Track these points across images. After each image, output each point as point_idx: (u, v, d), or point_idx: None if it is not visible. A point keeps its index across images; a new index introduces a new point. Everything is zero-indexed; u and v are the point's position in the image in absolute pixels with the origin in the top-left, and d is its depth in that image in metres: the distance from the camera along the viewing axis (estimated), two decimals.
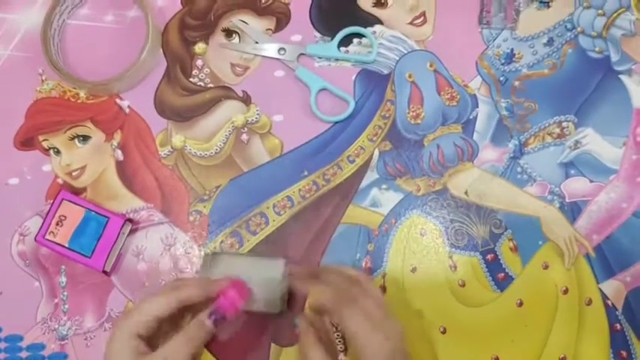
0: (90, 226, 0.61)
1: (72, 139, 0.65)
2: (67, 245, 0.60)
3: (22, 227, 0.64)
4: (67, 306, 0.63)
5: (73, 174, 0.65)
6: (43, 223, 0.61)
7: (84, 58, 0.67)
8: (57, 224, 0.61)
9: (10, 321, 0.63)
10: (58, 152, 0.65)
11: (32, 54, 0.66)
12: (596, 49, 0.63)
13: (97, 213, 0.61)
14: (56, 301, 0.63)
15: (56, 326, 0.63)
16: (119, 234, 0.61)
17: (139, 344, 0.48)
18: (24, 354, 0.62)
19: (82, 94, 0.66)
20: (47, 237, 0.60)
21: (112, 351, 0.49)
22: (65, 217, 0.61)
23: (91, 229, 0.61)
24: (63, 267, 0.63)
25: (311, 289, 0.53)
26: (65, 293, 0.63)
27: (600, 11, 0.63)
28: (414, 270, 0.61)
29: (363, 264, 0.61)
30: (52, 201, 0.62)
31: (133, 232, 0.63)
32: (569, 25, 0.63)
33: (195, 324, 0.50)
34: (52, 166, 0.65)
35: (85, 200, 0.62)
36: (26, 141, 0.66)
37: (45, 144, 0.65)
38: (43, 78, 0.66)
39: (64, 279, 0.63)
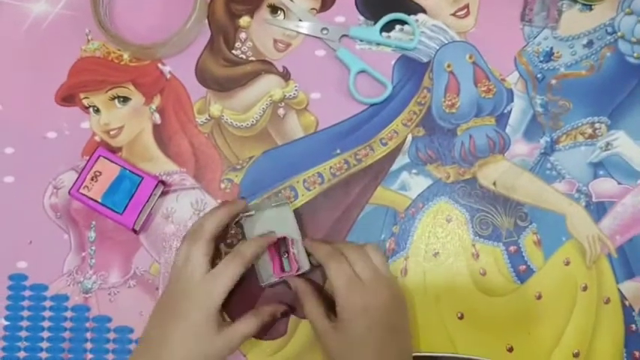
0: (124, 184, 0.62)
1: (112, 99, 0.67)
2: (99, 200, 0.61)
3: (57, 180, 0.66)
4: (93, 260, 0.64)
5: (111, 133, 0.66)
6: (78, 178, 0.62)
7: (131, 21, 0.68)
8: (92, 179, 0.62)
9: (37, 270, 0.64)
10: (97, 111, 0.67)
11: (80, 13, 0.68)
12: (635, 54, 0.64)
13: (131, 172, 0.62)
14: (84, 254, 0.64)
15: (81, 279, 0.64)
16: (151, 194, 0.62)
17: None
18: (48, 303, 0.64)
19: (125, 56, 0.67)
20: (81, 191, 0.62)
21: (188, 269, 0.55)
22: (100, 173, 0.62)
23: (124, 187, 0.62)
24: (93, 222, 0.65)
25: (313, 246, 0.59)
26: (93, 248, 0.64)
27: None
28: (436, 255, 0.62)
29: (387, 245, 0.62)
30: (88, 157, 0.63)
31: (164, 194, 0.64)
32: (609, 29, 0.64)
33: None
34: (91, 124, 0.66)
35: (121, 159, 0.63)
36: (67, 97, 0.67)
37: (85, 102, 0.67)
38: (89, 38, 0.68)
39: (93, 234, 0.64)
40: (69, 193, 0.62)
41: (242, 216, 0.60)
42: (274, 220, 0.60)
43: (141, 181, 0.62)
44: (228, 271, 0.55)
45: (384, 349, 0.53)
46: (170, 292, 0.57)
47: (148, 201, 0.62)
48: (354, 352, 0.53)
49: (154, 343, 0.55)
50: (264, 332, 0.61)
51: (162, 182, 0.64)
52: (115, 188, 0.62)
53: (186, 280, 0.55)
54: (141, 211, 0.61)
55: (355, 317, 0.53)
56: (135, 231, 0.62)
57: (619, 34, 0.64)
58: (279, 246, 0.60)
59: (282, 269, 0.59)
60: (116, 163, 0.63)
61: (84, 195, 0.62)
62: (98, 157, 0.63)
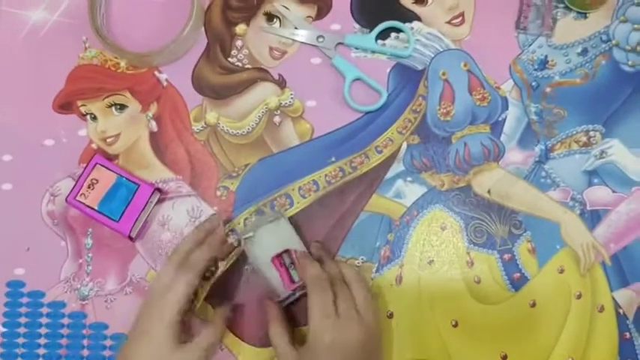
0: (120, 191, 0.62)
1: (109, 106, 0.67)
2: (96, 208, 0.62)
3: (54, 188, 0.66)
4: (90, 267, 0.65)
5: (108, 140, 0.67)
6: (75, 185, 0.63)
7: (128, 29, 0.68)
8: (88, 187, 0.62)
9: (35, 277, 0.65)
10: (94, 118, 0.67)
11: (78, 21, 0.68)
12: (629, 62, 0.64)
13: (128, 179, 0.63)
14: (80, 261, 0.65)
15: (78, 286, 0.64)
16: (147, 202, 0.62)
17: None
18: (45, 310, 0.64)
19: (122, 63, 0.67)
20: (78, 198, 0.62)
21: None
22: (97, 180, 0.63)
23: (120, 195, 0.62)
24: (90, 229, 0.65)
25: (302, 263, 0.58)
26: (90, 255, 0.65)
27: (636, 26, 0.64)
28: (431, 262, 0.62)
29: (382, 252, 0.63)
30: (85, 164, 0.64)
31: (160, 201, 0.65)
32: (604, 37, 0.64)
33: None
34: (88, 132, 0.67)
35: (118, 166, 0.64)
36: (65, 105, 0.67)
37: (83, 109, 0.67)
38: (87, 45, 0.68)
39: (90, 241, 0.65)
40: (66, 200, 0.63)
41: (242, 238, 0.60)
42: (275, 236, 0.60)
43: (137, 188, 0.62)
44: (180, 282, 0.55)
45: None
46: (139, 312, 0.57)
47: (144, 208, 0.62)
48: None
49: None
50: (258, 339, 0.62)
51: (159, 190, 0.64)
52: (112, 196, 0.62)
53: (150, 298, 0.56)
54: (137, 218, 0.62)
55: (321, 351, 0.52)
56: (131, 238, 0.63)
57: (614, 42, 0.64)
58: (282, 259, 0.60)
59: (292, 280, 0.59)
60: (113, 171, 0.63)
61: (81, 202, 0.62)
62: (95, 165, 0.63)
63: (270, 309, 0.58)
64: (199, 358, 0.55)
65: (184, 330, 0.56)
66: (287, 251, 0.59)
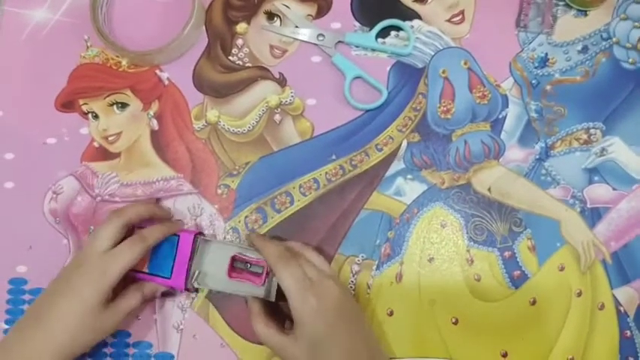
0: (163, 247, 0.60)
1: (111, 105, 0.67)
2: (147, 271, 0.60)
3: (56, 186, 0.66)
4: None
5: (109, 139, 0.67)
6: None
7: (129, 28, 0.69)
8: None
9: (37, 275, 0.65)
10: (96, 117, 0.67)
11: (79, 20, 0.68)
12: (630, 60, 0.64)
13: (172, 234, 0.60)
14: None
15: None
16: (193, 249, 0.60)
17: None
18: None
19: (124, 62, 0.68)
20: None
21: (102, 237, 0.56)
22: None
23: (165, 251, 0.60)
24: (91, 227, 0.65)
25: (261, 245, 0.58)
26: None
27: (637, 23, 0.64)
28: (431, 260, 0.62)
29: (383, 250, 0.63)
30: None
31: (161, 199, 0.65)
32: (604, 35, 0.64)
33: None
34: (90, 130, 0.67)
35: (154, 223, 0.61)
36: (67, 103, 0.68)
37: (84, 108, 0.67)
38: (88, 44, 0.69)
39: None
40: None
41: (200, 239, 0.60)
42: (213, 259, 0.60)
43: (178, 239, 0.60)
44: (127, 253, 0.55)
45: (351, 342, 0.53)
46: (68, 266, 0.58)
47: (191, 257, 0.60)
48: (323, 354, 0.52)
49: (39, 314, 0.55)
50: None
51: (200, 233, 0.62)
52: (157, 254, 0.60)
53: (85, 257, 0.56)
54: (188, 269, 0.59)
55: (314, 318, 0.52)
56: (188, 290, 0.60)
57: (614, 39, 0.64)
58: (235, 268, 0.59)
59: (257, 274, 0.59)
60: None
61: (132, 270, 0.58)
62: (132, 229, 0.60)
63: (250, 306, 0.58)
64: (120, 320, 0.56)
65: None
66: (233, 259, 0.59)
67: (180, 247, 0.60)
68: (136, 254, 0.56)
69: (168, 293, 0.62)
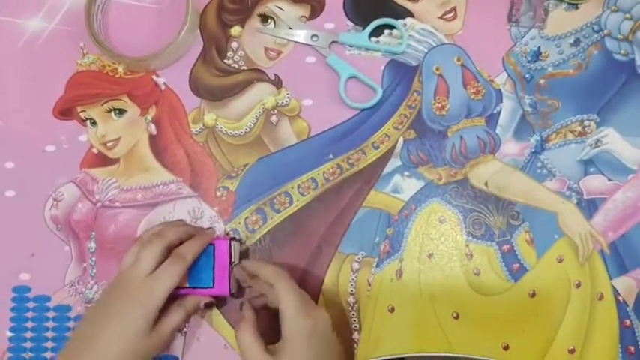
0: (200, 260, 0.60)
1: (108, 111, 0.68)
2: (188, 285, 0.60)
3: (56, 193, 0.67)
4: (94, 270, 0.65)
5: (108, 145, 0.67)
6: None
7: (124, 34, 0.69)
8: None
9: (40, 282, 0.65)
10: (94, 123, 0.68)
11: (75, 28, 0.69)
12: (622, 51, 0.64)
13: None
14: (85, 265, 0.66)
15: (83, 289, 0.65)
16: (230, 254, 0.60)
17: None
18: (51, 314, 0.65)
19: (120, 69, 0.68)
20: None
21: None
22: None
23: (203, 262, 0.60)
24: (93, 233, 0.66)
25: (257, 267, 0.58)
26: (94, 258, 0.66)
27: (627, 15, 0.64)
28: (430, 256, 0.63)
29: (382, 247, 0.63)
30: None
31: (161, 203, 0.66)
32: (596, 27, 0.65)
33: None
34: (88, 137, 0.68)
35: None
36: (65, 111, 0.68)
37: (82, 115, 0.68)
38: (85, 52, 0.69)
39: (93, 245, 0.66)
40: None
41: (234, 243, 0.61)
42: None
43: (214, 248, 0.60)
44: (170, 273, 0.56)
45: None
46: (111, 291, 0.58)
47: (231, 262, 0.60)
48: None
49: (87, 339, 0.55)
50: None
51: (234, 238, 0.63)
52: (196, 267, 0.59)
53: (129, 281, 0.56)
54: (229, 274, 0.60)
55: (307, 339, 0.52)
56: (233, 295, 0.61)
57: (605, 32, 0.65)
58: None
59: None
60: None
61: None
62: None
63: (244, 311, 0.57)
64: (168, 341, 0.57)
65: None
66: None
67: (218, 254, 0.60)
68: (179, 274, 0.56)
69: (211, 303, 0.61)
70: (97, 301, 0.59)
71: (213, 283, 0.60)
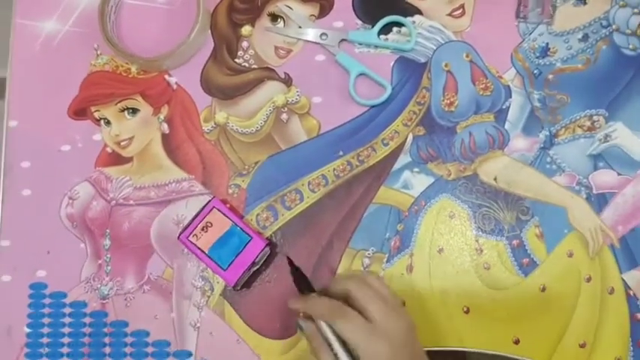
0: (232, 240, 0.62)
1: (122, 111, 0.69)
2: (206, 252, 0.62)
3: (72, 191, 0.68)
4: (109, 267, 0.67)
5: (122, 144, 0.69)
6: (189, 224, 0.63)
7: (137, 35, 0.70)
8: (202, 229, 0.62)
9: (56, 279, 0.67)
10: (108, 123, 0.69)
11: (89, 30, 0.70)
12: (630, 46, 0.64)
13: (242, 229, 0.62)
14: (100, 262, 0.67)
15: (98, 286, 0.66)
16: (258, 256, 0.62)
17: None
18: (67, 310, 0.66)
19: (133, 69, 0.69)
20: (190, 238, 0.62)
21: None
22: (211, 224, 0.62)
23: (232, 244, 0.62)
24: (108, 230, 0.67)
25: (308, 306, 0.55)
26: (108, 255, 0.67)
27: (636, 10, 0.65)
28: (440, 251, 0.63)
29: (392, 243, 0.64)
30: (203, 206, 0.64)
31: (174, 201, 0.67)
32: (604, 23, 0.65)
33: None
34: (102, 136, 0.69)
35: (235, 214, 0.63)
36: (79, 111, 0.70)
37: (96, 114, 0.69)
38: (98, 53, 0.70)
39: (108, 242, 0.67)
40: (178, 237, 0.63)
41: (266, 250, 0.62)
42: None
43: (249, 240, 0.62)
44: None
45: None
46: None
47: (253, 262, 0.62)
48: None
49: None
50: (275, 332, 0.63)
51: (271, 244, 0.63)
52: (223, 242, 0.62)
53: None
54: (245, 270, 0.61)
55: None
56: (235, 288, 0.63)
57: (614, 26, 0.65)
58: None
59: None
60: (229, 218, 0.63)
61: (192, 243, 0.62)
62: (212, 209, 0.63)
63: (305, 325, 0.55)
64: None
65: None
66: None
67: (248, 248, 0.62)
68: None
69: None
70: None
71: (227, 267, 0.61)
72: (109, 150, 0.69)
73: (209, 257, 0.62)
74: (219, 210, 0.63)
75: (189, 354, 0.64)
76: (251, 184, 0.66)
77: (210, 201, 0.64)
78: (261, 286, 0.64)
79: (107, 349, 0.65)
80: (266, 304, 0.64)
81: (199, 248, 0.62)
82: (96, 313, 0.66)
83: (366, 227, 0.64)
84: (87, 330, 0.66)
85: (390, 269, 0.63)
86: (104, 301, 0.66)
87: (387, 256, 0.63)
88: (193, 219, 0.63)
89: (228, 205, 0.65)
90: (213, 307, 0.64)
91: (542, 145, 0.64)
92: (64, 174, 0.68)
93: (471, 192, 0.64)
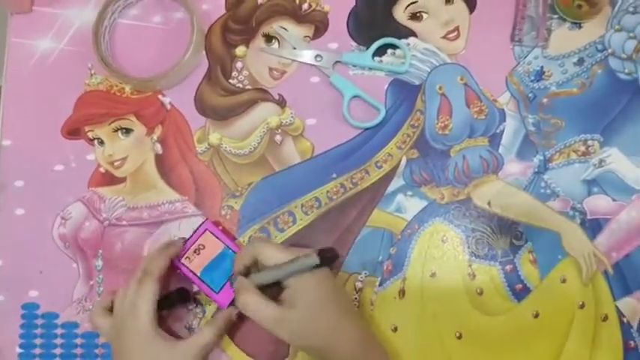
0: (224, 262, 0.62)
1: (115, 131, 0.69)
2: (198, 274, 0.62)
3: (64, 211, 0.68)
4: (101, 288, 0.66)
5: (115, 164, 0.68)
6: (183, 246, 0.62)
7: (131, 55, 0.70)
8: (195, 251, 0.62)
9: (48, 299, 0.67)
10: (101, 143, 0.69)
11: (83, 49, 0.70)
12: (626, 70, 0.64)
13: (234, 252, 0.62)
14: (92, 283, 0.67)
15: (90, 306, 0.66)
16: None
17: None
18: (59, 331, 0.66)
19: (127, 89, 0.69)
20: (183, 261, 0.62)
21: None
22: (204, 247, 0.62)
23: (224, 266, 0.62)
24: (100, 251, 0.67)
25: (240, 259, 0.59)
26: (101, 276, 0.67)
27: (631, 34, 0.64)
28: (433, 275, 0.63)
29: (385, 266, 0.63)
30: (196, 228, 0.64)
31: (167, 222, 0.66)
32: (599, 47, 0.65)
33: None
34: (96, 156, 0.69)
35: (227, 236, 0.63)
36: (73, 131, 0.69)
37: (90, 134, 0.69)
38: (92, 72, 0.70)
39: (100, 262, 0.67)
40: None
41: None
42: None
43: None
44: (142, 291, 0.57)
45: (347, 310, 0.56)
46: (115, 337, 0.59)
47: None
48: (318, 320, 0.54)
49: None
50: (267, 355, 0.63)
51: None
52: (215, 265, 0.62)
53: (115, 317, 0.59)
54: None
55: (317, 283, 0.55)
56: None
57: (609, 50, 0.64)
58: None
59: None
60: (221, 240, 0.63)
61: (184, 265, 0.62)
62: (205, 231, 0.63)
63: (239, 282, 0.57)
64: (194, 357, 0.57)
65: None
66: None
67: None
68: (149, 288, 0.57)
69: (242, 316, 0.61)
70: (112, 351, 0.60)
71: (219, 290, 0.61)
72: (102, 170, 0.68)
73: (201, 280, 0.62)
74: (211, 232, 0.63)
75: None
76: (244, 205, 0.66)
77: (202, 223, 0.64)
78: None
79: None
80: (259, 327, 0.63)
81: (192, 271, 0.62)
82: (88, 334, 0.66)
83: (359, 250, 0.64)
84: (79, 351, 0.66)
85: (383, 293, 0.63)
86: None
87: (379, 279, 0.63)
88: (186, 241, 0.63)
89: (220, 227, 0.64)
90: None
91: (536, 170, 0.63)
92: (57, 194, 0.68)
93: (465, 216, 0.63)
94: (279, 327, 0.54)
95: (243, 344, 0.64)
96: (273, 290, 0.56)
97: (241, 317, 0.62)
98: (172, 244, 0.62)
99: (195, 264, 0.62)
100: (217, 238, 0.63)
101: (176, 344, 0.57)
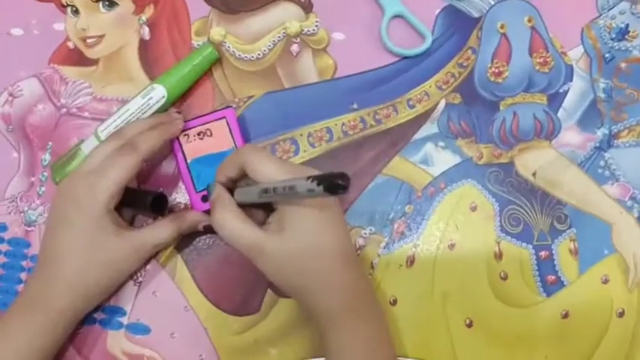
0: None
1: (96, 1, 0.56)
2: (188, 161, 0.51)
3: (14, 87, 0.56)
4: (43, 188, 0.54)
5: (88, 41, 0.56)
6: (189, 121, 0.52)
7: None
8: (198, 134, 0.52)
9: None
10: (76, 12, 0.56)
11: None
12: None
13: None
14: (33, 179, 0.54)
15: (25, 208, 0.54)
16: None
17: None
18: None
19: None
20: (180, 137, 0.52)
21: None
22: (211, 134, 0.52)
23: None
24: (50, 143, 0.54)
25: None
26: (45, 174, 0.54)
27: None
28: (452, 246, 0.52)
29: (396, 226, 0.52)
30: (214, 110, 0.53)
31: None
32: None
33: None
34: (66, 26, 0.56)
35: (242, 137, 0.52)
36: None
37: None
38: None
39: (48, 156, 0.54)
40: None
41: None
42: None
43: None
44: (116, 165, 0.46)
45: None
46: (55, 196, 0.49)
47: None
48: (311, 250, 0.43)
49: (49, 254, 0.47)
50: (232, 306, 0.51)
51: None
52: (212, 161, 0.51)
53: (70, 180, 0.47)
54: None
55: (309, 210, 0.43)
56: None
57: None
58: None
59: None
60: (232, 137, 0.52)
61: (178, 142, 0.52)
62: (222, 118, 0.52)
63: (218, 193, 0.46)
64: (145, 253, 0.49)
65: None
66: None
67: None
68: (128, 166, 0.46)
69: (210, 229, 0.50)
70: (49, 210, 0.49)
71: (200, 191, 0.51)
72: (70, 45, 0.56)
73: (188, 169, 0.51)
74: (228, 123, 0.52)
75: (123, 312, 0.52)
76: (239, 120, 0.54)
77: (224, 108, 0.52)
78: (226, 248, 0.52)
79: (21, 287, 0.52)
80: (228, 271, 0.52)
81: (183, 153, 0.51)
82: (15, 239, 0.53)
83: (368, 201, 0.53)
84: (1, 259, 0.53)
85: (388, 257, 0.52)
86: (29, 229, 0.53)
87: (386, 240, 0.52)
88: (196, 117, 0.52)
89: (240, 126, 0.53)
90: (162, 262, 0.52)
91: (597, 145, 0.53)
92: (9, 63, 0.56)
93: (503, 183, 0.53)
94: (259, 255, 0.44)
95: (205, 287, 0.52)
96: (259, 211, 0.46)
97: (210, 252, 0.51)
98: (174, 122, 0.50)
99: (191, 147, 0.52)
100: (231, 132, 0.52)
101: (124, 233, 0.47)
